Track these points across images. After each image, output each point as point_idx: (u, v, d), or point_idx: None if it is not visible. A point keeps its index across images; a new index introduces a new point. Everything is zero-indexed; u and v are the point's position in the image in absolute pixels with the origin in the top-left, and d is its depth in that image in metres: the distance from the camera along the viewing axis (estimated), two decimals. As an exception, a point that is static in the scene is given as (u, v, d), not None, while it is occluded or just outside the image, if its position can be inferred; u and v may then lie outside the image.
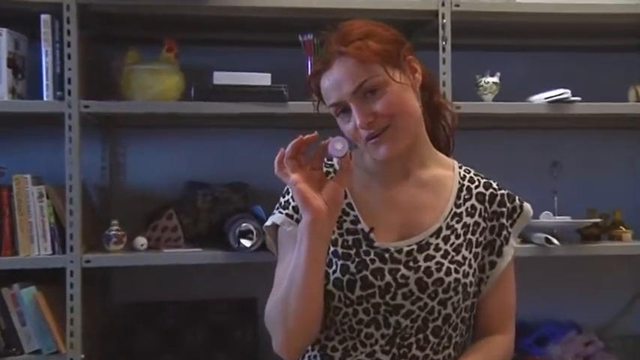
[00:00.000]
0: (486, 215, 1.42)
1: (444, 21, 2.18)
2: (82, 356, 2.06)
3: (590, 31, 2.48)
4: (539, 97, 2.29)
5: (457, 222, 1.40)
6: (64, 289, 2.06)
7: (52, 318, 2.09)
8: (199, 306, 2.36)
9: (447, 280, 1.33)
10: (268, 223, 1.46)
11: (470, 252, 1.38)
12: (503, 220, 1.43)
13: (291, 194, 1.39)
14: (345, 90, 1.31)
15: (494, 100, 2.32)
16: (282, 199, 1.45)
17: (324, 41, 1.37)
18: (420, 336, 1.35)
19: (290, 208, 1.42)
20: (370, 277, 1.34)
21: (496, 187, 1.45)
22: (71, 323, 2.05)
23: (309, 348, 1.41)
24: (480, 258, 1.40)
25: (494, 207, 1.42)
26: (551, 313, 2.59)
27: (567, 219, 2.32)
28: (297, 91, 2.18)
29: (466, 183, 1.44)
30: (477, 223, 1.41)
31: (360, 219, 1.38)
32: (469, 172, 1.47)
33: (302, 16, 2.18)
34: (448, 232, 1.38)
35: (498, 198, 1.43)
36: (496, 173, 2.52)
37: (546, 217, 2.30)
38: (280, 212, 1.43)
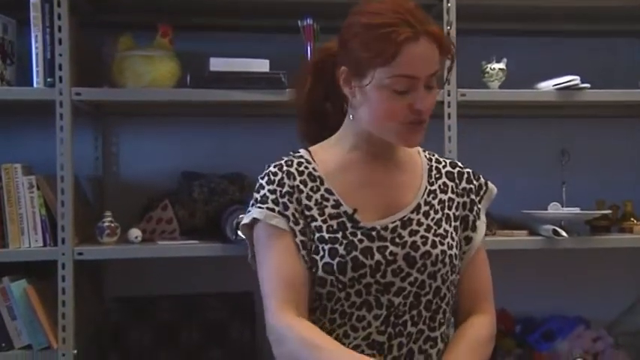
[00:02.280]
0: (457, 191, 1.49)
1: (449, 5, 2.14)
2: (75, 352, 2.03)
3: (600, 16, 2.43)
4: (547, 84, 2.25)
5: (433, 198, 1.46)
6: (55, 282, 2.02)
7: (44, 312, 2.05)
8: (195, 300, 2.34)
9: (434, 252, 1.38)
10: (246, 220, 1.44)
11: (450, 225, 1.44)
12: (473, 196, 1.50)
13: (267, 189, 1.43)
14: (427, 70, 1.33)
15: (500, 87, 2.28)
16: (257, 195, 1.45)
17: (382, 7, 1.34)
18: (414, 312, 1.39)
19: (269, 201, 1.42)
20: (361, 257, 1.37)
21: (461, 165, 1.52)
22: (63, 318, 2.02)
23: None
24: (458, 232, 1.46)
25: (464, 184, 1.49)
26: (558, 308, 2.56)
27: (576, 210, 2.28)
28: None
29: (434, 164, 1.50)
30: (451, 199, 1.47)
31: (342, 202, 1.42)
32: (433, 155, 1.53)
33: (301, 0, 2.13)
34: (427, 208, 1.44)
35: (465, 175, 1.50)
36: (502, 163, 2.47)
37: (554, 208, 2.26)
38: (260, 207, 1.42)
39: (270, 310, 1.36)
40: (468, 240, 1.47)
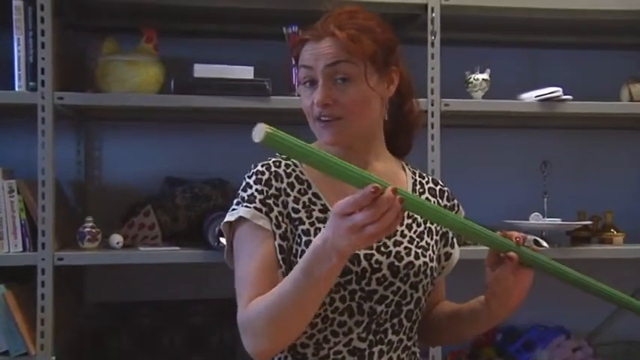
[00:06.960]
0: None
1: (434, 15, 2.15)
2: (53, 358, 2.01)
3: (583, 28, 2.45)
4: (530, 95, 2.26)
5: None
6: (34, 287, 2.01)
7: (22, 318, 2.03)
8: (176, 307, 2.32)
9: (417, 263, 1.39)
10: (231, 218, 1.40)
11: (431, 239, 1.45)
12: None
13: (254, 188, 1.39)
14: (321, 62, 1.35)
15: (483, 97, 2.29)
16: (243, 194, 1.40)
17: (325, 13, 1.39)
18: (395, 321, 1.39)
19: (257, 201, 1.39)
20: (348, 263, 1.34)
21: (442, 183, 1.54)
22: (42, 324, 1.99)
23: None
24: (438, 247, 1.47)
25: (445, 202, 1.51)
26: (539, 318, 2.57)
27: (557, 221, 2.29)
28: (280, 86, 2.14)
29: (417, 178, 1.51)
30: None
31: (329, 207, 1.39)
32: (416, 170, 1.54)
33: (287, 7, 2.14)
34: (409, 221, 1.43)
35: (446, 194, 1.52)
36: (484, 173, 2.48)
37: (535, 219, 2.27)
38: (247, 206, 1.38)
39: (241, 307, 1.34)
40: (448, 256, 1.50)
